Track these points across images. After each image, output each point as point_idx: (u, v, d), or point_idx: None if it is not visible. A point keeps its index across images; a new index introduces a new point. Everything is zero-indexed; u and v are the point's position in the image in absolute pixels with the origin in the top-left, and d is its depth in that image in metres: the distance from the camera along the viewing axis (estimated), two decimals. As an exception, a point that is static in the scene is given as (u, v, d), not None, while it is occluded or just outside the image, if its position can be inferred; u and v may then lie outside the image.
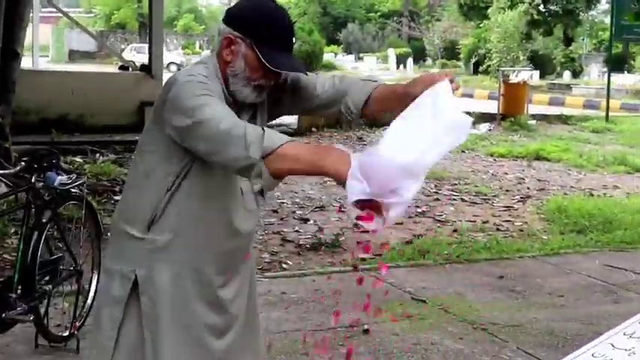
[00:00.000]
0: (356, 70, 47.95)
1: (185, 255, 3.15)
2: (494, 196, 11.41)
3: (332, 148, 2.66)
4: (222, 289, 3.26)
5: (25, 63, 11.95)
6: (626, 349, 3.31)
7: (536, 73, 32.94)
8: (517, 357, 5.52)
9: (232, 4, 3.10)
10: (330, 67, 47.45)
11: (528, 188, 12.10)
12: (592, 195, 11.69)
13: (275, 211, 9.84)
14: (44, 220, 5.13)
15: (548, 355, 5.31)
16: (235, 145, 2.69)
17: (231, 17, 3.04)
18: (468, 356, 5.59)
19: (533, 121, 20.13)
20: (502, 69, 26.02)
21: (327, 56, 49.97)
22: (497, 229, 9.45)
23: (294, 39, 3.17)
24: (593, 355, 3.31)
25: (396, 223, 9.40)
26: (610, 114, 21.39)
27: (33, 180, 5.07)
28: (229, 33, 2.99)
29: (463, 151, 15.39)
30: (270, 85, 3.08)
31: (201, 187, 3.04)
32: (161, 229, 3.11)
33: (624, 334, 3.39)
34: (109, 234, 3.60)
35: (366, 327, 6.02)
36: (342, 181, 2.49)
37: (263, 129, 2.70)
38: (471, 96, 31.18)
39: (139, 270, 3.13)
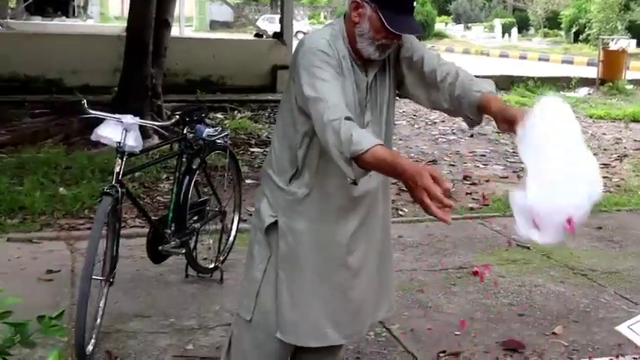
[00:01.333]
0: (464, 38, 47.09)
1: (319, 208, 3.21)
2: (594, 154, 11.07)
3: (405, 159, 2.74)
4: (353, 237, 3.29)
5: (173, 32, 12.15)
6: None
7: (634, 42, 31.62)
8: (615, 301, 5.39)
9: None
10: (441, 35, 46.80)
11: (625, 148, 11.74)
12: (688, 154, 11.29)
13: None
14: (194, 167, 5.23)
15: (645, 300, 5.17)
16: (331, 136, 2.77)
17: None
18: (569, 298, 5.49)
19: (631, 86, 19.47)
20: (601, 37, 25.18)
21: (439, 26, 49.33)
22: (596, 185, 9.21)
23: (414, 3, 3.15)
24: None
25: (501, 177, 9.30)
26: None
27: (185, 132, 5.18)
28: None
29: (565, 113, 15.01)
30: (392, 45, 3.09)
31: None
32: (299, 184, 3.18)
33: None
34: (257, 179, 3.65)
35: (475, 269, 5.98)
36: (413, 188, 2.56)
37: (354, 130, 2.74)
38: (571, 62, 30.29)
39: (280, 217, 3.19)
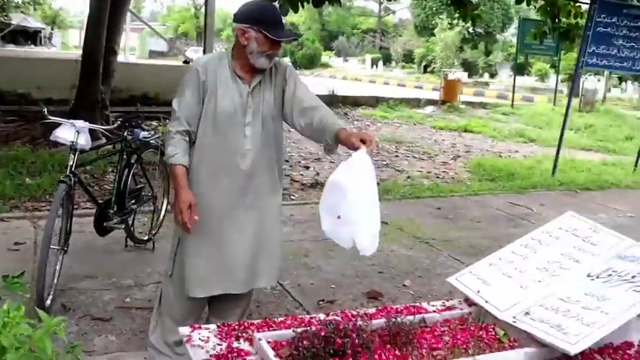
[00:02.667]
0: (343, 67, 47.65)
1: (207, 183, 3.31)
2: (436, 155, 11.39)
3: (185, 188, 3.18)
4: (233, 209, 3.34)
5: (120, 58, 11.91)
6: (521, 255, 3.31)
7: (466, 74, 32.93)
8: (448, 261, 5.57)
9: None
10: (325, 65, 47.36)
11: (459, 150, 12.09)
12: (501, 156, 11.71)
13: (286, 160, 9.82)
14: (132, 162, 5.18)
15: (469, 259, 5.37)
16: (166, 142, 3.21)
17: (241, 16, 3.17)
18: (415, 260, 5.63)
19: (463, 106, 20.05)
20: (443, 70, 25.92)
21: (324, 58, 50.02)
22: (437, 177, 9.47)
23: (284, 20, 3.46)
24: (499, 258, 3.32)
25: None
26: (514, 103, 21.36)
27: (125, 134, 5.12)
28: (241, 27, 3.15)
29: (414, 124, 15.32)
30: (276, 53, 3.22)
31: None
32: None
33: (520, 245, 3.40)
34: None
35: (347, 239, 6.03)
36: (175, 205, 3.20)
37: (173, 145, 3.19)
38: (421, 87, 31.09)
39: None
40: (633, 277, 2.86)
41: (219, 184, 3.27)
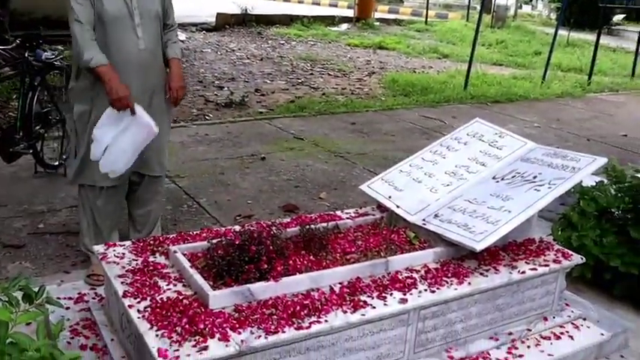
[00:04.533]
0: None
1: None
2: (350, 72, 11.39)
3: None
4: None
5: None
6: (431, 161, 3.41)
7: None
8: (362, 173, 5.66)
9: None
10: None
11: (373, 67, 12.12)
12: (415, 72, 11.83)
13: (200, 81, 9.62)
14: (35, 84, 4.96)
15: (383, 171, 5.50)
16: (75, 44, 3.23)
17: None
18: (331, 173, 5.70)
19: (377, 23, 19.98)
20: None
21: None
22: (352, 93, 9.50)
23: None
24: (410, 165, 3.40)
25: (283, 89, 9.33)
26: (428, 20, 21.46)
27: (26, 55, 4.90)
28: None
29: (329, 42, 15.23)
30: None
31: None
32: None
33: (430, 151, 3.49)
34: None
35: (262, 156, 6.05)
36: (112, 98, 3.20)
37: (92, 49, 3.20)
38: (335, 5, 30.61)
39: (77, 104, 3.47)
40: (535, 177, 3.01)
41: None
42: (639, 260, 3.44)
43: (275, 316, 2.27)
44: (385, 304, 2.46)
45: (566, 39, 16.46)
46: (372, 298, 2.48)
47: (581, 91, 11.03)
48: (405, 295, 2.53)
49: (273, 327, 2.21)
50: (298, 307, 2.32)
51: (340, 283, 2.52)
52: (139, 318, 2.23)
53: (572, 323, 3.09)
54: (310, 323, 2.27)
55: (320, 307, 2.35)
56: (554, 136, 7.69)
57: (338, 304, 2.39)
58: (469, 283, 2.67)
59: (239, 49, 13.23)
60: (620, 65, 14.00)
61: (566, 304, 3.17)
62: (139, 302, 2.33)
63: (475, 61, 10.57)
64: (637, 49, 13.14)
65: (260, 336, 2.16)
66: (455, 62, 13.26)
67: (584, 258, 3.09)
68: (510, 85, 10.69)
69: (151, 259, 2.71)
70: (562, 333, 3.00)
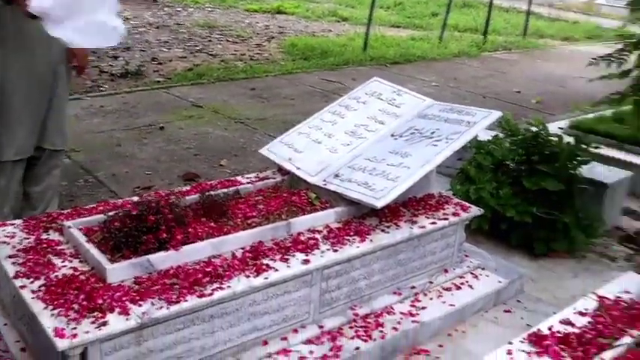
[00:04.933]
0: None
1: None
2: (249, 37, 11.24)
3: None
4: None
5: None
6: (330, 121, 3.41)
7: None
8: (263, 138, 5.61)
9: None
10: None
11: (272, 32, 12.00)
12: (314, 35, 11.79)
13: (94, 52, 9.22)
14: None
15: (285, 136, 5.55)
16: None
17: None
18: (231, 140, 5.64)
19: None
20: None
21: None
22: (251, 59, 9.38)
23: None
24: (309, 126, 3.39)
25: (181, 57, 9.11)
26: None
27: None
28: None
29: (227, 8, 14.95)
30: None
31: None
32: None
33: (328, 112, 3.49)
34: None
35: (161, 125, 5.90)
36: None
37: None
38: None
39: None
40: (432, 133, 3.07)
41: (27, 59, 3.21)
42: (532, 209, 3.59)
43: (177, 286, 2.22)
44: (288, 266, 2.46)
45: (462, 0, 16.84)
46: (275, 261, 2.47)
47: (477, 50, 11.36)
48: (307, 256, 2.53)
49: (175, 297, 2.16)
50: (200, 275, 2.28)
51: (242, 248, 2.50)
52: (32, 298, 2.13)
53: (472, 273, 3.20)
54: (213, 290, 2.23)
55: (222, 273, 2.32)
56: (452, 94, 7.89)
57: (240, 269, 2.37)
58: (371, 241, 2.70)
59: (134, 17, 12.77)
60: (513, 25, 14.48)
61: (466, 256, 3.28)
62: (32, 282, 2.22)
63: (374, 24, 10.65)
64: (528, 9, 13.62)
65: (162, 307, 2.12)
66: (354, 25, 13.31)
67: (481, 210, 3.19)
68: (409, 46, 10.86)
69: (44, 236, 2.59)
70: (462, 283, 3.10)
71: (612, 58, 3.85)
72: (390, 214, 2.90)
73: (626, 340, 2.06)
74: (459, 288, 3.06)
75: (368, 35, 10.21)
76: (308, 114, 3.59)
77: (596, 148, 4.29)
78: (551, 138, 3.83)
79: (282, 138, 3.38)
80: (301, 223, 2.71)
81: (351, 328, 2.68)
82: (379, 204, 2.70)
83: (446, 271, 3.12)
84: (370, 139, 3.19)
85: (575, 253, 3.79)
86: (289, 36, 11.51)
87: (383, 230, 2.79)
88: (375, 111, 3.39)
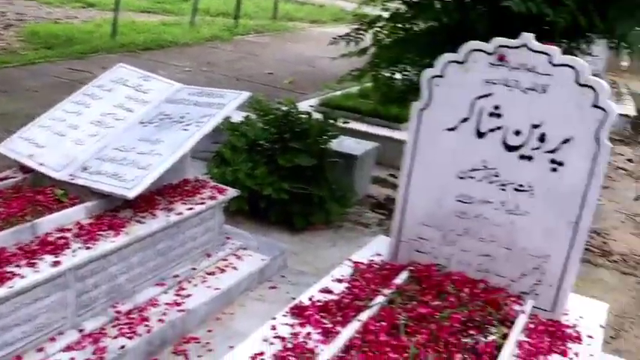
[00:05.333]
0: None
1: None
2: None
3: None
4: None
5: None
6: (74, 112, 3.21)
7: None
8: (4, 135, 5.12)
9: None
10: None
11: (9, 19, 11.02)
12: (58, 22, 11.06)
13: None
14: None
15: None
16: None
17: None
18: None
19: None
20: None
21: None
22: (-14, 50, 8.54)
23: None
24: (51, 119, 3.17)
25: None
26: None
27: None
28: None
29: None
30: None
31: None
32: None
33: (72, 102, 3.29)
34: None
35: None
36: None
37: None
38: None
39: None
40: (182, 117, 3.01)
41: None
42: (287, 186, 3.69)
43: None
44: (36, 271, 2.27)
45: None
46: (20, 267, 2.26)
47: (229, 34, 11.42)
48: (57, 257, 2.36)
49: None
50: None
51: (-21, 258, 2.25)
52: None
53: (235, 254, 3.21)
54: (-55, 308, 1.99)
55: (-44, 288, 2.07)
56: (205, 78, 7.85)
57: (-22, 280, 2.13)
58: (126, 233, 2.59)
59: None
60: (263, 8, 14.78)
61: (227, 238, 3.28)
62: None
63: (122, 9, 10.23)
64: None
65: None
66: (101, 11, 12.69)
67: (238, 191, 3.21)
68: (160, 31, 10.61)
69: None
70: (226, 266, 3.10)
71: (350, 37, 4.06)
72: (145, 203, 2.80)
73: (380, 299, 2.19)
74: (223, 271, 3.06)
75: (116, 21, 9.79)
76: (54, 106, 3.34)
77: (344, 122, 4.53)
78: (301, 116, 3.97)
79: (21, 133, 3.11)
80: (48, 222, 2.52)
81: (114, 327, 2.55)
82: (131, 194, 2.59)
83: (209, 255, 3.10)
84: (118, 128, 3.05)
85: (332, 224, 3.98)
86: (29, 23, 10.65)
87: (139, 221, 2.69)
88: (122, 98, 3.25)
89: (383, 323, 2.04)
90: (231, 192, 3.15)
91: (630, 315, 3.59)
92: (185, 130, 2.90)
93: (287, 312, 2.18)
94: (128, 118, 3.11)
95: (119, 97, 3.26)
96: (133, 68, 3.52)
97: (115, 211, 2.71)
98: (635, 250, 4.43)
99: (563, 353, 2.12)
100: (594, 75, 2.20)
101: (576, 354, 2.12)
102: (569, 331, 2.26)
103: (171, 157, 2.75)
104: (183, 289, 2.86)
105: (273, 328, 2.07)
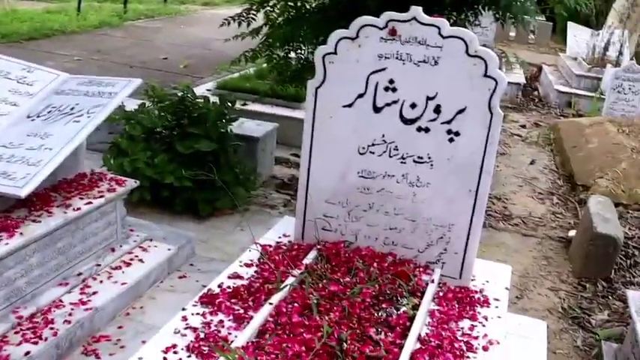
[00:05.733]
0: None
1: None
2: None
3: None
4: None
5: None
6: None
7: None
8: None
9: None
10: None
11: None
12: None
13: None
14: None
15: None
16: None
17: None
18: None
19: None
20: None
21: None
22: None
23: None
24: None
25: None
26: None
27: None
28: None
29: None
30: None
31: None
32: None
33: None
34: None
35: None
36: None
37: None
38: None
39: None
40: (72, 108, 2.88)
41: None
42: (189, 173, 3.62)
43: None
44: None
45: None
46: None
47: (119, 20, 11.04)
48: (-54, 265, 2.21)
49: None
50: None
51: None
52: None
53: (140, 247, 3.12)
54: None
55: None
56: (97, 67, 7.57)
57: None
58: (21, 234, 2.46)
59: None
60: (153, -9, 14.39)
61: (131, 230, 3.18)
62: None
63: (0, -2, 9.69)
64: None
65: None
66: (-23, 1, 11.97)
67: (137, 181, 3.11)
68: (44, 19, 10.12)
69: None
70: (132, 259, 3.01)
71: (242, 18, 3.99)
72: (40, 201, 2.67)
73: (290, 280, 2.18)
74: (128, 264, 2.97)
75: (-5, 11, 9.27)
76: None
77: (243, 105, 4.48)
78: (199, 100, 3.88)
79: None
80: None
81: (16, 333, 2.43)
82: (23, 193, 2.45)
83: (113, 250, 3.00)
84: (3, 123, 2.88)
85: (239, 208, 3.93)
86: None
87: (34, 220, 2.56)
88: (5, 92, 3.06)
89: (295, 305, 2.03)
90: (131, 183, 3.04)
91: (533, 275, 3.75)
92: (76, 121, 2.76)
93: (197, 301, 2.13)
94: (13, 113, 2.94)
95: (1, 91, 3.07)
96: (15, 59, 3.33)
97: (7, 211, 2.57)
98: (534, 212, 4.63)
99: (473, 318, 2.17)
100: (484, 46, 2.25)
101: (485, 317, 2.19)
102: (477, 296, 2.33)
103: (62, 151, 2.62)
104: (89, 286, 2.75)
105: (184, 318, 2.02)
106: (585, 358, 3.01)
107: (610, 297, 3.53)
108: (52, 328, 2.48)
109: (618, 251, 3.68)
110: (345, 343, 1.81)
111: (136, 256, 3.04)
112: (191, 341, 1.88)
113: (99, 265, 2.88)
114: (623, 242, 3.72)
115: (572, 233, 4.21)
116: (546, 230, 4.35)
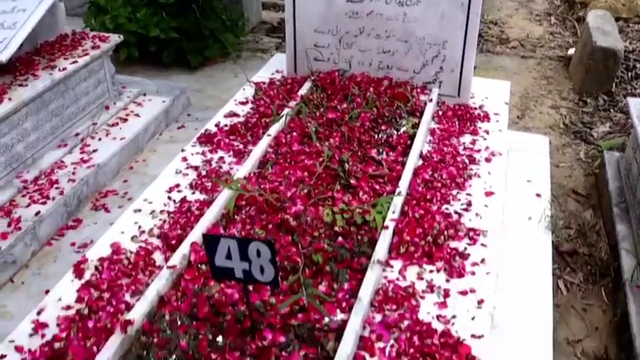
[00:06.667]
0: None
1: None
2: None
3: None
4: None
5: None
6: None
7: None
8: None
9: None
10: None
11: None
12: None
13: None
14: None
15: None
16: None
17: None
18: None
19: None
20: None
21: None
22: None
23: None
24: None
25: None
26: None
27: None
28: None
29: None
30: None
31: None
32: None
33: None
34: None
35: None
36: None
37: None
38: None
39: None
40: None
41: None
42: (175, 23, 3.48)
43: None
44: None
45: None
46: None
47: None
48: (-61, 135, 2.17)
49: None
50: None
51: None
52: None
53: (135, 102, 3.06)
54: None
55: None
56: None
57: None
58: (10, 99, 2.40)
59: None
60: None
61: (123, 87, 3.11)
62: None
63: None
64: None
65: None
66: None
67: (121, 36, 2.99)
68: None
69: None
70: (127, 114, 2.97)
71: None
72: (24, 65, 2.58)
73: (286, 111, 2.13)
74: (125, 120, 2.92)
75: None
76: None
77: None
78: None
79: None
80: None
81: (24, 196, 2.43)
82: (3, 57, 2.37)
83: (107, 107, 2.95)
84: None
85: (230, 56, 3.83)
86: None
87: (21, 85, 2.49)
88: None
89: (294, 134, 2.00)
90: (115, 38, 2.93)
91: (533, 95, 3.69)
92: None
93: (195, 142, 2.11)
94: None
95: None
96: None
97: (-11, 78, 2.50)
98: (532, 34, 4.49)
99: (474, 132, 2.14)
100: None
101: (486, 131, 2.16)
102: (476, 112, 2.29)
103: (37, 10, 2.50)
104: (88, 145, 2.73)
105: (184, 159, 2.00)
106: (588, 169, 3.01)
107: (611, 110, 3.48)
108: (57, 188, 2.48)
109: (619, 64, 3.59)
110: (346, 164, 1.79)
111: (132, 112, 2.99)
112: (193, 179, 1.87)
113: (95, 123, 2.84)
114: (623, 55, 3.62)
115: (571, 51, 4.10)
116: (545, 51, 4.24)
